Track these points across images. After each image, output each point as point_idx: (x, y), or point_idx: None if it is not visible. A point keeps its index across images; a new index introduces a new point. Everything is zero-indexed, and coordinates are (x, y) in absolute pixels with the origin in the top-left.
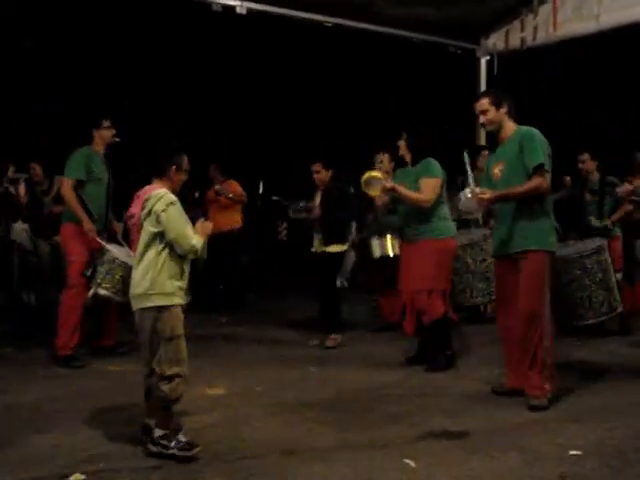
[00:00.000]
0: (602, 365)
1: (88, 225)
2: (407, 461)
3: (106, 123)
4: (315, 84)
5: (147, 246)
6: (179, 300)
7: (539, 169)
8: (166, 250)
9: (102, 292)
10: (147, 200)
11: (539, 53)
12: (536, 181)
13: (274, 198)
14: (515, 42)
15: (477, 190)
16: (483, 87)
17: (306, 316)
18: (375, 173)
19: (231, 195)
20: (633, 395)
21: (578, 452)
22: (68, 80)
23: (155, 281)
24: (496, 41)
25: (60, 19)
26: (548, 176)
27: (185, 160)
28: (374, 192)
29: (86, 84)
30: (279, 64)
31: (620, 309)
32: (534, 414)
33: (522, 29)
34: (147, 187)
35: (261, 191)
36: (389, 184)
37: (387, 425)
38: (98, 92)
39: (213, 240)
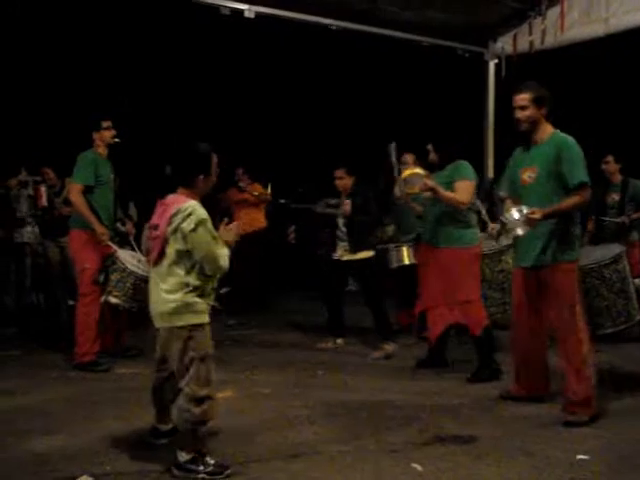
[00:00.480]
0: (619, 371)
1: (101, 229)
2: (415, 466)
3: (105, 124)
4: (323, 87)
5: (175, 263)
6: (208, 318)
7: (582, 186)
8: (195, 268)
9: (113, 300)
10: (175, 215)
11: (548, 56)
12: (580, 198)
13: (281, 201)
14: (524, 45)
15: (525, 210)
16: (491, 90)
17: (314, 320)
18: (418, 170)
19: (256, 193)
20: None
21: (586, 457)
22: (74, 81)
23: (186, 299)
24: (504, 44)
25: (66, 21)
26: (589, 192)
27: (215, 163)
28: (412, 190)
29: (92, 86)
30: (287, 68)
31: (639, 317)
32: (542, 419)
33: (530, 32)
34: (173, 197)
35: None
36: (430, 182)
37: (395, 430)
38: (101, 94)
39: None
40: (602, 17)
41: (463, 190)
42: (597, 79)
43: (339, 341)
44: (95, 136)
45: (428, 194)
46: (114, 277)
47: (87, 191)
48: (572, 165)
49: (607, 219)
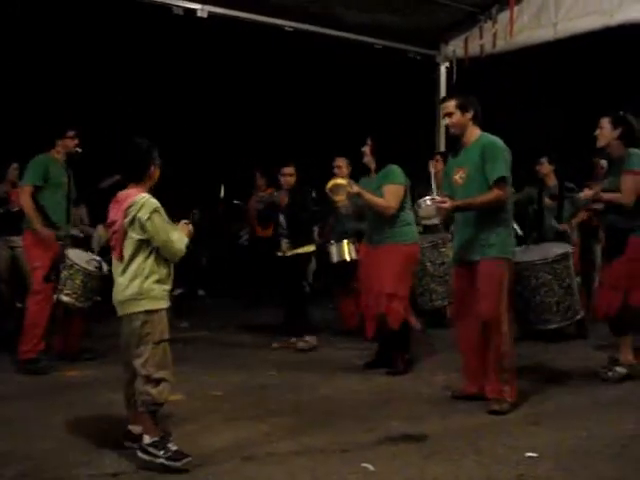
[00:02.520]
0: (562, 368)
1: (44, 233)
2: (366, 465)
3: (71, 133)
4: (275, 88)
5: (133, 254)
6: (165, 304)
7: (499, 182)
8: (152, 255)
9: (64, 298)
10: (130, 207)
11: (499, 60)
12: (495, 193)
13: (235, 202)
14: (475, 49)
15: (437, 198)
16: (443, 93)
17: (266, 320)
18: (340, 180)
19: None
20: (589, 398)
21: (534, 454)
22: (31, 86)
23: (143, 286)
24: (456, 48)
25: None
26: (508, 188)
27: (157, 156)
28: (340, 197)
29: (46, 91)
30: (240, 68)
31: (581, 314)
32: (492, 417)
33: (481, 36)
34: (126, 192)
35: (222, 195)
36: (354, 189)
37: (346, 429)
38: (61, 99)
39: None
40: (551, 22)
41: (390, 194)
42: (546, 82)
43: (306, 339)
44: (58, 142)
45: (349, 203)
46: (64, 274)
47: (38, 192)
48: (493, 162)
49: (553, 224)
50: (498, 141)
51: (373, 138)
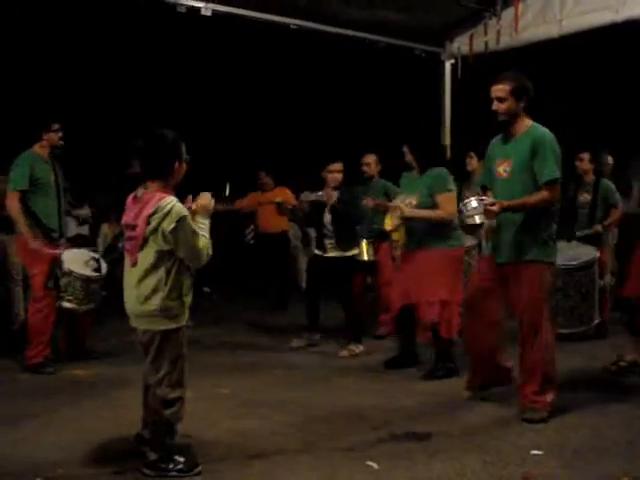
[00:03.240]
0: (571, 367)
1: (33, 245)
2: (370, 463)
3: (55, 126)
4: (280, 87)
5: (154, 264)
6: (184, 320)
7: (551, 183)
8: (175, 266)
9: (67, 305)
10: (153, 215)
11: (503, 56)
12: (546, 195)
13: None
14: (479, 46)
15: (485, 199)
16: (448, 90)
17: (272, 319)
18: (388, 226)
19: (279, 199)
20: (596, 396)
21: (540, 452)
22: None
23: (164, 304)
24: (461, 45)
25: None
26: (559, 189)
27: (184, 150)
28: (397, 226)
29: (36, 86)
30: (245, 66)
31: (597, 320)
32: (496, 415)
33: (486, 33)
34: (149, 194)
35: (227, 193)
36: (406, 213)
37: (351, 428)
38: (48, 94)
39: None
40: (556, 18)
41: (448, 202)
42: (551, 78)
43: (352, 347)
44: (44, 136)
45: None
46: (63, 281)
47: (26, 195)
48: (544, 160)
49: (581, 233)
50: (550, 135)
51: (412, 138)
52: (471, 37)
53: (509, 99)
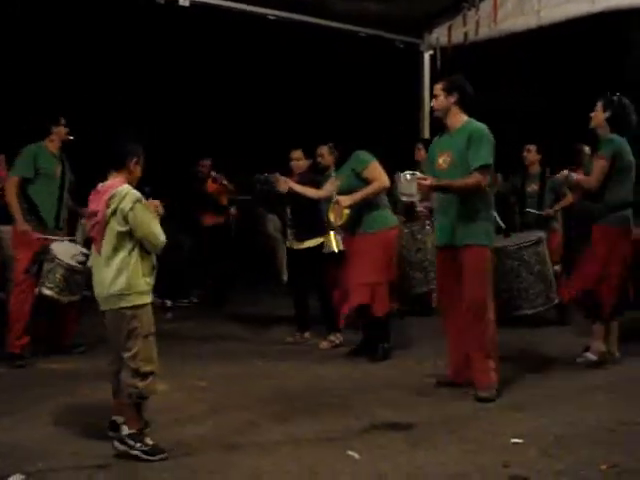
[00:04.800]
0: (546, 355)
1: (22, 227)
2: (351, 453)
3: (63, 121)
4: (259, 77)
5: (116, 245)
6: (151, 298)
7: (482, 168)
8: (136, 249)
9: (46, 292)
10: (111, 198)
11: (483, 47)
12: (476, 178)
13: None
14: (458, 37)
15: (417, 174)
16: (427, 81)
17: (250, 311)
18: (339, 222)
19: (225, 182)
20: (574, 384)
21: (520, 440)
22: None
23: (130, 281)
24: (439, 36)
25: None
26: (489, 175)
27: (142, 153)
28: (342, 217)
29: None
30: (223, 57)
31: (556, 301)
32: (477, 405)
33: (464, 24)
34: (107, 183)
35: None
36: (349, 202)
37: (331, 418)
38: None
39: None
40: (534, 9)
41: (376, 172)
42: (530, 69)
43: (306, 335)
44: (53, 130)
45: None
46: (45, 267)
47: (28, 184)
48: (477, 148)
49: (532, 210)
50: (484, 128)
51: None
52: (450, 28)
53: (441, 95)
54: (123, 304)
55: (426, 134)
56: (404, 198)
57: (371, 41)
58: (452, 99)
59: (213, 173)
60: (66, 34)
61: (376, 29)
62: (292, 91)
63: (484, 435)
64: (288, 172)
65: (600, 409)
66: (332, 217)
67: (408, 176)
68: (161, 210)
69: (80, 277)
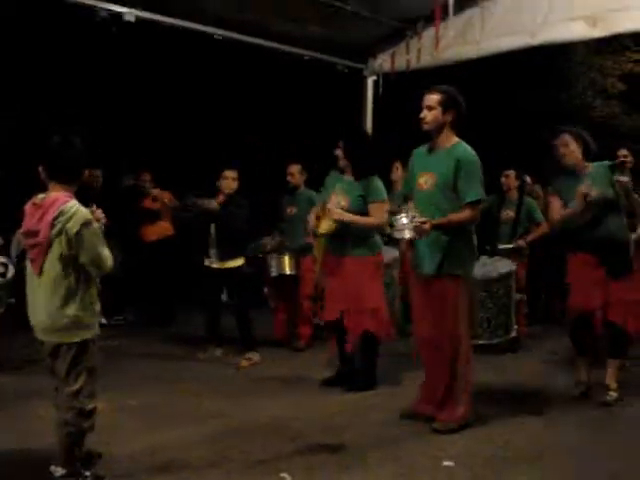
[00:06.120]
0: (487, 380)
1: None
2: (283, 475)
3: None
4: (205, 97)
5: (62, 271)
6: (98, 329)
7: (475, 203)
8: (84, 273)
9: None
10: (57, 217)
11: (426, 74)
12: (471, 214)
13: None
14: (401, 63)
15: (417, 218)
16: (369, 106)
17: (186, 330)
18: (323, 230)
19: (166, 200)
20: (510, 408)
21: (451, 463)
22: None
23: (79, 312)
24: (383, 62)
25: None
26: (479, 209)
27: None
28: (328, 227)
29: None
30: (169, 74)
31: (514, 333)
32: (412, 427)
33: (407, 51)
34: (51, 196)
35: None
36: (345, 218)
37: (266, 440)
38: None
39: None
40: (476, 39)
41: (379, 211)
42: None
43: (217, 352)
44: None
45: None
46: None
47: None
48: (469, 182)
49: (504, 246)
50: (475, 156)
51: (346, 141)
52: (393, 54)
53: (437, 109)
54: (69, 339)
55: None
56: (398, 236)
57: (316, 64)
58: (449, 117)
59: (154, 191)
60: (8, 45)
61: (321, 53)
62: (237, 112)
63: (416, 457)
64: (215, 191)
65: (533, 433)
66: (319, 223)
67: (404, 219)
68: (104, 219)
69: (2, 291)
